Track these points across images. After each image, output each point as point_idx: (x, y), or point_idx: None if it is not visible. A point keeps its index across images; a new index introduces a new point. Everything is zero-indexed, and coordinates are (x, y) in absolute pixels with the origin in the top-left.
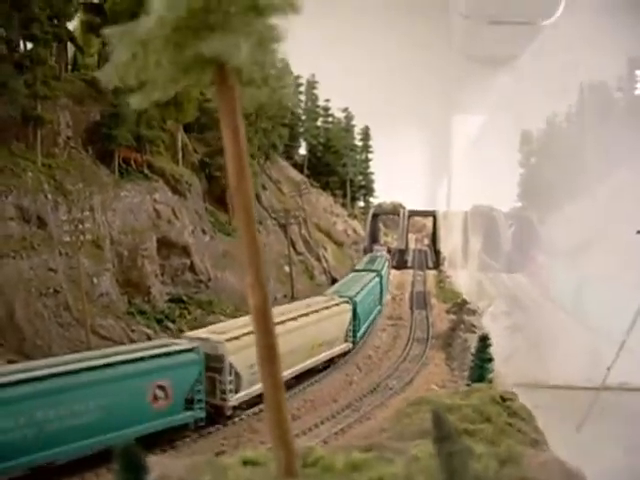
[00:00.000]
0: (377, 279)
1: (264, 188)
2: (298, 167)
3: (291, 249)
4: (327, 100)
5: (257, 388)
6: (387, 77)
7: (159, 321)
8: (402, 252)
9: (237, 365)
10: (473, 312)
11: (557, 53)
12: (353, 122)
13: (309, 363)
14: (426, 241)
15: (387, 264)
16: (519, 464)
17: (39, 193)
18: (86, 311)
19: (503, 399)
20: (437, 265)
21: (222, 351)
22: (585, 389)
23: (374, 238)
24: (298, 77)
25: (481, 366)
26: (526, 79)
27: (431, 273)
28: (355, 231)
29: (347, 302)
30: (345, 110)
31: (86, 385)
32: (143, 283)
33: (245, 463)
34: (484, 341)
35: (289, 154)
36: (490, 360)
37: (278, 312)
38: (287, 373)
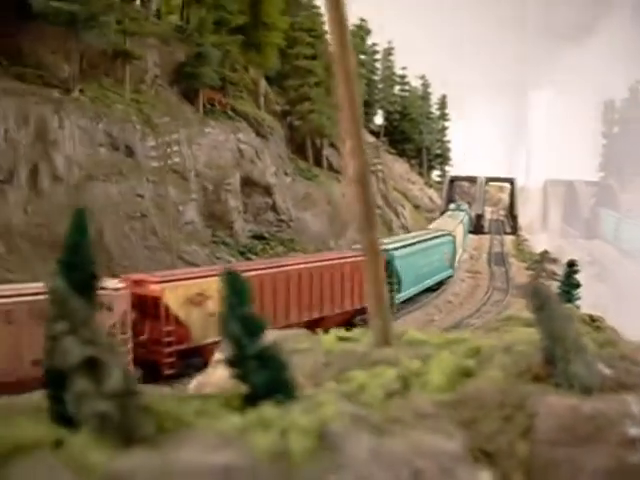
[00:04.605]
0: (466, 217)
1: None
2: (375, 135)
3: None
4: (404, 68)
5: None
6: (466, 48)
7: (242, 253)
8: (479, 217)
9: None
10: (554, 260)
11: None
12: (429, 90)
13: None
14: (502, 212)
15: (468, 210)
16: (617, 346)
17: (127, 123)
18: (172, 236)
19: (592, 319)
20: (515, 230)
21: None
22: None
23: (451, 203)
24: (374, 45)
25: (568, 292)
26: (606, 49)
27: (508, 238)
28: (431, 199)
29: (449, 234)
30: (422, 78)
31: (433, 247)
32: (226, 217)
33: (340, 339)
34: (571, 267)
35: (366, 121)
36: (577, 286)
37: (424, 232)
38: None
